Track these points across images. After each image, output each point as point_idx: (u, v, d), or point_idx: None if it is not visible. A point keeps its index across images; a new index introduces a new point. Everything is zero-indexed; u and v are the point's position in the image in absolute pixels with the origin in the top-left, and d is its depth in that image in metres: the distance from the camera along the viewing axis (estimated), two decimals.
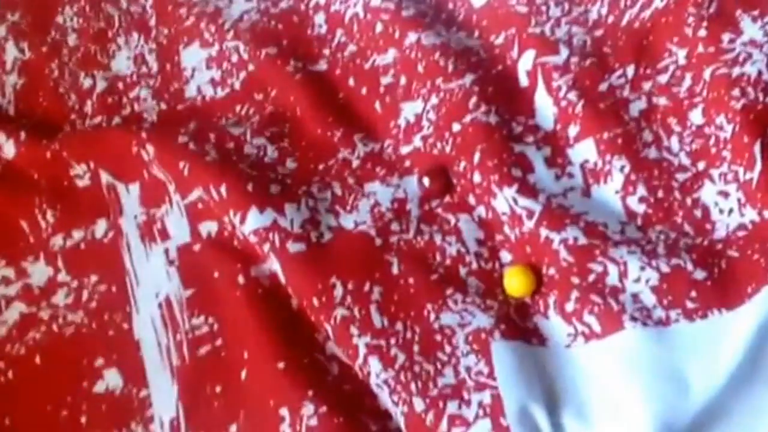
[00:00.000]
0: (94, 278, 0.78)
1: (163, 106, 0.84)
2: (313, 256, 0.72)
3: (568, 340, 0.68)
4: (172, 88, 0.84)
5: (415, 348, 0.68)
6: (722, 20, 0.75)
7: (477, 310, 0.69)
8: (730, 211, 0.70)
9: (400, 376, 0.67)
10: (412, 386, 0.66)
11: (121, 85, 0.85)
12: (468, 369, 0.67)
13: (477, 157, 0.73)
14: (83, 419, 0.72)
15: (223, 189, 0.74)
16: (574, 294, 0.68)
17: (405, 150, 0.77)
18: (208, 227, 0.76)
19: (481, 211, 0.73)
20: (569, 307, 0.68)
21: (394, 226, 0.74)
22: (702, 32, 0.74)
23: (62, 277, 0.78)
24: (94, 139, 0.82)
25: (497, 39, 0.79)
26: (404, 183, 0.76)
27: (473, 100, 0.75)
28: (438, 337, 0.68)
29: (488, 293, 0.70)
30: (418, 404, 0.66)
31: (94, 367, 0.74)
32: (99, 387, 0.73)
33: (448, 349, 0.67)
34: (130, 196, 0.79)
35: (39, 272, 0.78)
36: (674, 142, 0.73)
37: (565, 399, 0.65)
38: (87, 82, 0.86)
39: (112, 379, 0.73)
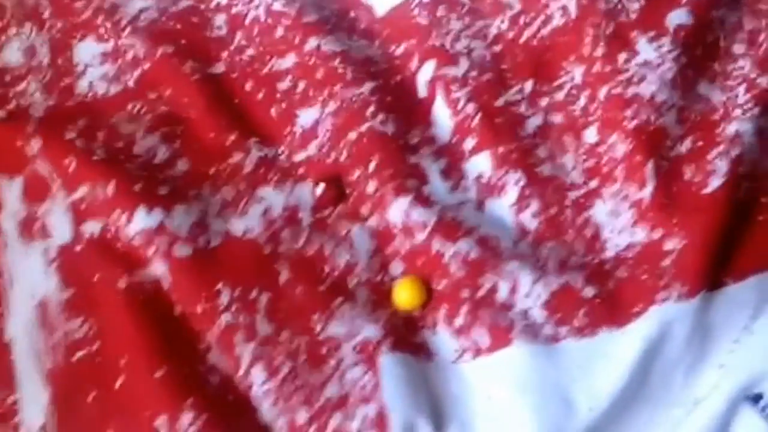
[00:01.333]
0: None
1: (52, 101, 0.80)
2: (199, 260, 0.69)
3: (455, 356, 0.66)
4: (62, 83, 0.81)
5: (301, 358, 0.66)
6: (619, 41, 0.75)
7: (365, 322, 0.67)
8: (621, 230, 0.70)
9: (284, 386, 0.65)
10: (296, 397, 0.65)
11: (8, 77, 0.81)
12: (354, 381, 0.65)
13: (372, 166, 0.72)
14: None
15: (110, 187, 0.71)
16: (464, 308, 0.67)
17: (299, 157, 0.75)
18: (92, 227, 0.72)
19: (373, 221, 0.72)
20: (458, 321, 0.67)
21: (285, 234, 0.72)
22: (599, 51, 0.74)
23: None
24: None
25: (398, 49, 0.78)
26: (297, 190, 0.74)
27: (371, 108, 0.74)
28: (324, 349, 0.66)
29: (377, 305, 0.69)
30: (301, 416, 0.64)
31: None
32: None
33: (333, 360, 0.66)
34: (11, 190, 0.76)
35: None
36: (568, 160, 0.73)
37: (451, 415, 0.64)
38: None
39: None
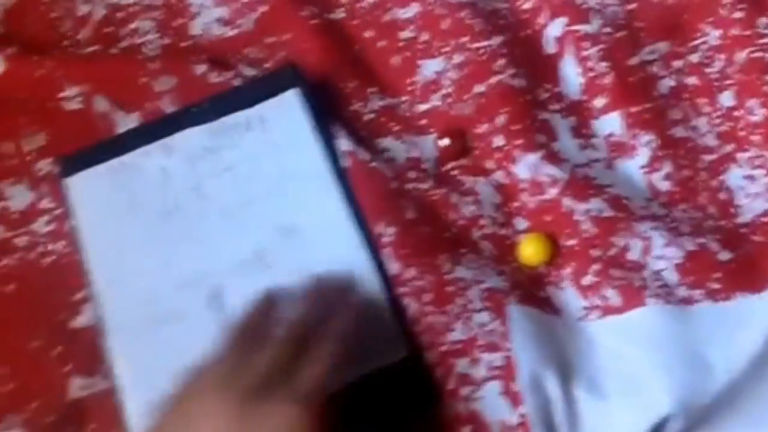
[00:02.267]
0: None
1: (167, 40, 0.80)
2: None
3: (582, 314, 0.66)
4: (175, 23, 0.81)
5: (426, 297, 0.65)
6: (758, 6, 0.73)
7: (492, 272, 0.67)
8: (757, 195, 0.69)
9: (412, 327, 0.65)
10: (423, 338, 0.64)
11: (121, 14, 0.81)
12: (481, 326, 0.64)
13: (500, 120, 0.71)
14: (54, 352, 0.69)
15: None
16: (594, 267, 0.66)
17: (421, 108, 0.75)
18: None
19: (498, 175, 0.71)
20: (587, 280, 0.66)
21: (411, 174, 0.71)
22: (737, 14, 0.73)
23: (45, 203, 0.74)
24: (94, 62, 0.78)
25: (525, 3, 0.77)
26: (420, 142, 0.74)
27: (500, 62, 0.73)
28: (451, 288, 0.65)
29: (501, 259, 0.68)
30: (428, 357, 0.64)
31: (72, 301, 0.70)
32: (76, 322, 0.70)
33: (460, 301, 0.65)
34: (127, 127, 0.76)
35: (20, 196, 0.75)
36: (702, 123, 0.72)
37: (578, 370, 0.63)
38: (84, 9, 0.82)
39: (90, 315, 0.69)
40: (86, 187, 0.73)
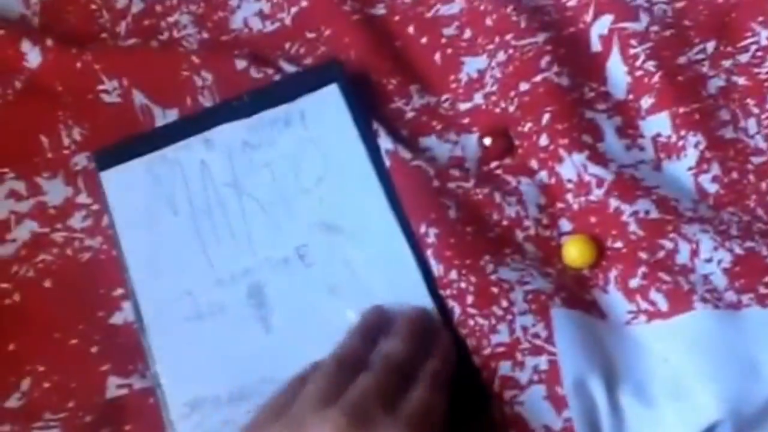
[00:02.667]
0: None
1: (206, 34, 0.80)
2: None
3: (628, 317, 0.65)
4: (216, 16, 0.80)
5: (469, 299, 0.65)
6: None
7: (536, 273, 0.66)
8: None
9: (457, 331, 0.64)
10: (467, 342, 0.63)
11: (159, 7, 0.81)
12: (524, 329, 0.63)
13: (546, 118, 0.70)
14: (94, 349, 0.69)
15: None
16: (641, 270, 0.65)
17: (464, 107, 0.74)
18: None
19: (543, 175, 0.70)
20: (634, 283, 0.65)
21: (454, 172, 0.71)
22: None
23: (82, 198, 0.74)
24: (132, 55, 0.78)
25: (570, 0, 0.76)
26: (462, 141, 0.73)
27: (546, 59, 0.72)
28: (495, 290, 0.64)
29: (546, 261, 0.68)
30: (476, 360, 0.63)
31: (112, 297, 0.70)
32: (116, 318, 0.70)
33: (504, 303, 0.64)
34: (166, 121, 0.76)
35: (56, 190, 0.74)
36: (752, 124, 0.71)
37: (624, 375, 0.62)
38: (122, 1, 0.81)
39: (129, 312, 0.69)
40: (123, 182, 0.72)
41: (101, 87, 0.76)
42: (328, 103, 0.73)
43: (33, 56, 0.77)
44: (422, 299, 0.65)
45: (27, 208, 0.74)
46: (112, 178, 0.73)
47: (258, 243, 0.69)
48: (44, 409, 0.67)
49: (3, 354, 0.69)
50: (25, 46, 0.77)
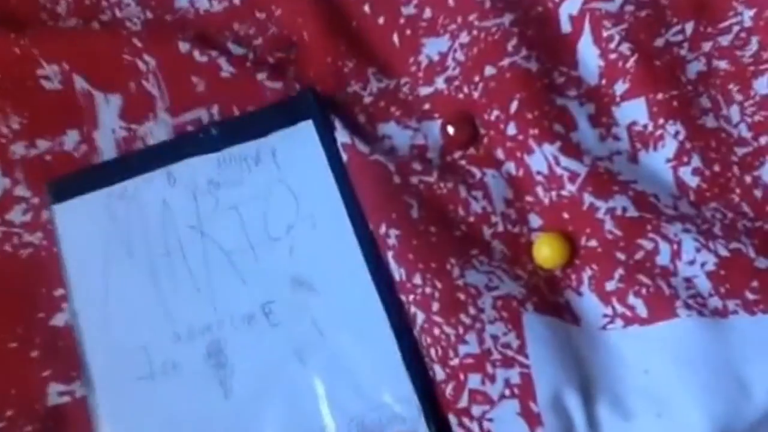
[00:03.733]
0: None
1: (150, 14, 0.70)
2: None
3: (603, 322, 0.57)
4: None
5: (434, 306, 0.56)
6: None
7: (505, 276, 0.58)
8: None
9: (420, 339, 0.56)
10: (432, 352, 0.55)
11: None
12: (494, 338, 0.55)
13: (514, 106, 0.61)
14: (34, 354, 0.60)
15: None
16: (618, 272, 0.57)
17: (425, 91, 0.65)
18: None
19: (510, 167, 0.62)
20: (610, 285, 0.57)
21: (416, 166, 0.62)
22: None
23: (20, 190, 0.65)
24: (72, 39, 0.68)
25: None
26: (424, 128, 0.64)
27: (513, 42, 0.63)
28: (461, 296, 0.56)
29: (515, 260, 0.59)
30: (438, 373, 0.55)
31: (53, 297, 0.62)
32: (57, 320, 0.61)
33: (472, 311, 0.56)
34: (109, 107, 0.66)
35: None
36: (734, 112, 0.62)
37: (601, 387, 0.54)
38: None
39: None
40: (77, 216, 0.63)
41: (41, 72, 0.66)
42: (302, 141, 0.63)
43: None
44: (397, 370, 0.56)
45: None
46: (65, 212, 0.63)
47: (221, 296, 0.60)
48: None
49: None
50: None
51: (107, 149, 0.65)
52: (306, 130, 0.63)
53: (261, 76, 0.65)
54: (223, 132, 0.64)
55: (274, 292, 0.59)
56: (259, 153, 0.63)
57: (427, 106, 0.65)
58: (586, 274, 0.58)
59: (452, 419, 0.54)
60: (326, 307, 0.58)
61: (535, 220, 0.61)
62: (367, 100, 0.65)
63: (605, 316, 0.57)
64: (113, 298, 0.60)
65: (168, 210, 0.62)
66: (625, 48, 0.63)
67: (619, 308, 0.56)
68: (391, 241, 0.58)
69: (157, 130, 0.66)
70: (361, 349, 0.57)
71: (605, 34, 0.63)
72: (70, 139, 0.66)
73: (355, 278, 0.58)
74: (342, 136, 0.62)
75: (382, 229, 0.58)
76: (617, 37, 0.63)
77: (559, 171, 0.60)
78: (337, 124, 0.62)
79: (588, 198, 0.59)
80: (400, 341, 0.56)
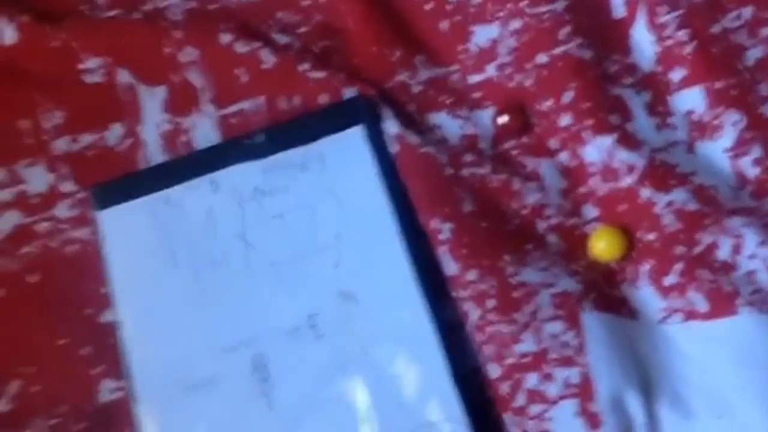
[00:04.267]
0: None
1: (192, 3, 0.67)
2: None
3: (662, 315, 0.55)
4: None
5: (489, 303, 0.54)
6: None
7: (562, 272, 0.56)
8: None
9: (474, 336, 0.54)
10: (486, 349, 0.54)
11: None
12: (553, 337, 0.53)
13: (568, 96, 0.59)
14: (84, 351, 0.59)
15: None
16: (678, 266, 0.55)
17: (474, 79, 0.63)
18: None
19: (563, 156, 0.59)
20: (669, 280, 0.55)
21: (467, 157, 0.59)
22: None
23: (66, 186, 0.63)
24: (113, 30, 0.65)
25: None
26: (474, 117, 0.62)
27: (566, 29, 0.61)
28: (517, 294, 0.54)
29: (570, 255, 0.57)
30: (493, 371, 0.53)
31: (101, 293, 0.60)
32: (106, 316, 0.59)
33: (528, 309, 0.54)
34: (152, 100, 0.64)
35: (38, 178, 0.63)
36: None
37: (661, 385, 0.53)
38: None
39: None
40: (122, 224, 0.61)
41: (81, 66, 0.64)
42: (351, 148, 0.60)
43: (9, 33, 0.65)
44: (445, 388, 0.53)
45: (8, 198, 0.63)
46: (109, 218, 0.61)
47: (266, 308, 0.57)
48: (33, 415, 0.58)
49: None
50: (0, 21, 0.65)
51: (152, 143, 0.63)
52: (355, 136, 0.60)
53: (304, 66, 0.63)
54: (270, 138, 0.61)
55: (320, 304, 0.57)
56: (306, 159, 0.60)
57: (477, 95, 0.62)
58: (644, 268, 0.56)
59: (508, 419, 0.53)
60: (372, 320, 0.56)
61: (590, 211, 0.58)
62: (416, 89, 0.63)
63: (663, 309, 0.55)
64: (157, 306, 0.58)
65: (212, 218, 0.60)
66: (681, 34, 0.60)
67: (678, 302, 0.54)
68: (444, 235, 0.56)
69: (202, 123, 0.64)
70: (408, 364, 0.54)
71: (660, 20, 0.61)
72: (114, 133, 0.64)
73: (403, 292, 0.56)
74: (391, 126, 0.59)
75: (435, 223, 0.56)
76: (673, 23, 0.60)
77: (615, 164, 0.57)
78: (386, 114, 0.60)
79: (645, 191, 0.56)
80: (448, 358, 0.54)
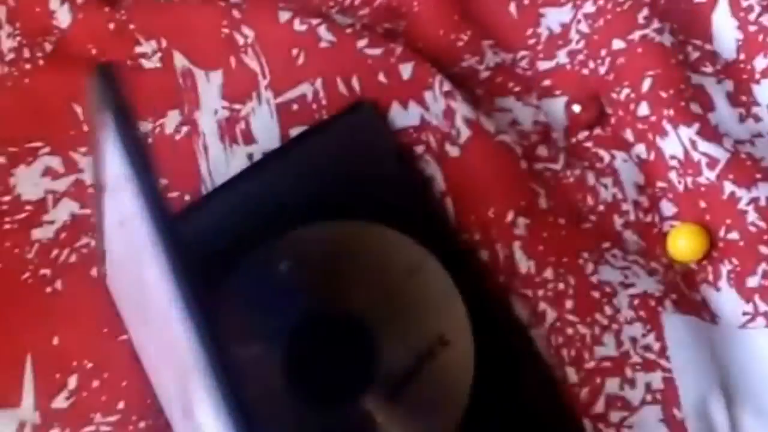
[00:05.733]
0: (162, 183, 0.60)
1: None
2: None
3: (743, 320, 0.52)
4: None
5: (568, 304, 0.51)
6: None
7: (641, 271, 0.53)
8: None
9: (549, 338, 0.51)
10: (564, 352, 0.51)
11: None
12: (633, 340, 0.50)
13: (646, 84, 0.55)
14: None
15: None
16: (762, 267, 0.51)
17: (545, 66, 0.59)
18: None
19: (640, 149, 0.56)
20: (752, 281, 0.51)
21: (541, 151, 0.56)
22: None
23: None
24: (170, 12, 0.62)
25: None
26: (544, 106, 0.58)
27: (643, 12, 0.57)
28: (597, 294, 0.51)
29: (649, 254, 0.54)
30: (571, 375, 0.50)
31: None
32: None
33: (608, 310, 0.51)
34: (210, 85, 0.61)
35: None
36: None
37: (744, 392, 0.49)
38: None
39: None
40: None
41: (139, 50, 0.61)
42: None
43: (62, 15, 0.62)
44: None
45: (65, 187, 0.60)
46: None
47: None
48: (93, 410, 0.55)
49: (47, 348, 0.57)
50: (54, 2, 0.62)
51: (210, 132, 0.60)
52: None
53: (361, 43, 0.59)
54: None
55: None
56: None
57: (547, 83, 0.59)
58: (725, 267, 0.53)
59: (587, 425, 0.50)
60: None
61: (668, 208, 0.55)
62: (484, 75, 0.59)
63: (745, 313, 0.52)
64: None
65: None
66: (766, 19, 0.56)
67: (762, 306, 0.51)
68: (519, 230, 0.53)
69: (260, 110, 0.60)
70: None
71: (744, 4, 0.57)
72: (171, 120, 0.61)
73: None
74: (465, 110, 0.56)
75: (509, 216, 0.53)
76: (757, 8, 0.56)
77: (696, 156, 0.54)
78: (459, 96, 0.56)
79: (729, 186, 0.53)
80: None
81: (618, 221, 0.54)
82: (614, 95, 0.56)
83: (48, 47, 0.62)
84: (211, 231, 0.55)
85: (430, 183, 0.55)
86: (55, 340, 0.56)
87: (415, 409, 0.48)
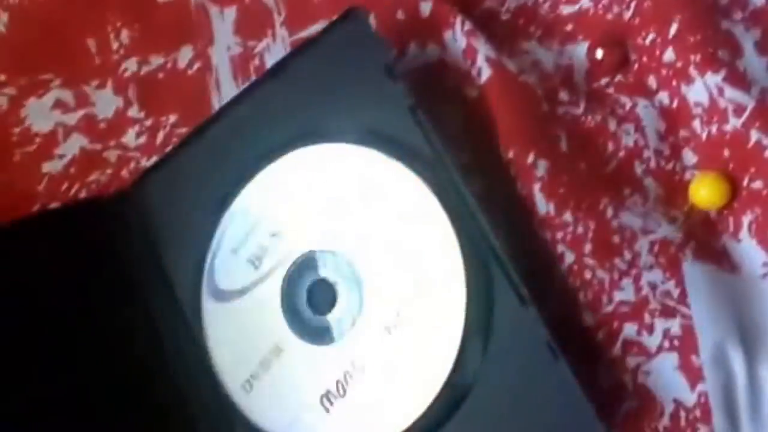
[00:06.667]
0: (173, 118, 0.58)
1: None
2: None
3: (764, 270, 0.50)
4: None
5: (587, 247, 0.50)
6: None
7: (661, 218, 0.51)
8: None
9: (567, 280, 0.49)
10: (581, 295, 0.49)
11: None
12: (652, 286, 0.48)
13: (673, 29, 0.53)
14: None
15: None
16: None
17: (567, 10, 0.56)
18: None
19: (663, 97, 0.53)
20: None
21: (562, 95, 0.54)
22: None
23: (133, 112, 0.59)
24: None
25: None
26: (567, 51, 0.56)
27: None
28: (616, 239, 0.49)
29: (669, 200, 0.52)
30: (588, 318, 0.49)
31: None
32: None
33: (627, 255, 0.49)
34: (224, 21, 0.59)
35: (105, 101, 0.59)
36: None
37: (763, 343, 0.48)
38: None
39: None
40: None
41: None
42: None
43: None
44: None
45: (75, 121, 0.59)
46: None
47: None
48: None
49: None
50: None
51: (222, 67, 0.59)
52: None
53: None
54: None
55: None
56: None
57: (569, 27, 0.56)
58: (747, 218, 0.51)
59: (601, 369, 0.48)
60: None
61: (689, 157, 0.53)
62: (504, 17, 0.57)
63: (765, 264, 0.50)
64: None
65: None
66: None
67: None
68: (539, 172, 0.50)
69: (275, 48, 0.59)
70: None
71: None
72: (184, 55, 0.59)
73: None
74: (486, 49, 0.53)
75: (530, 158, 0.51)
76: None
77: (722, 103, 0.51)
78: (479, 35, 0.54)
79: (755, 134, 0.50)
80: None
81: (639, 168, 0.52)
82: (639, 40, 0.54)
83: None
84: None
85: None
86: None
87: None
